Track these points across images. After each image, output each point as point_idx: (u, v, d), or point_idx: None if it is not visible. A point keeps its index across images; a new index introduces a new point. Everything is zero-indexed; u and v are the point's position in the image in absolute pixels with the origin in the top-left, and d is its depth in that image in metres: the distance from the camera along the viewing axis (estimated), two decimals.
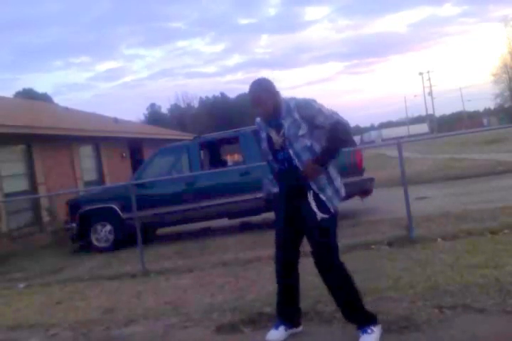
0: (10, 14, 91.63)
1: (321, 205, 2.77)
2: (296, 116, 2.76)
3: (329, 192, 2.80)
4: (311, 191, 2.77)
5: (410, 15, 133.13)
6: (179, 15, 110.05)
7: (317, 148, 2.78)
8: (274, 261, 3.01)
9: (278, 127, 2.84)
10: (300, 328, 3.04)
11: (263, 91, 2.84)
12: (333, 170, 2.87)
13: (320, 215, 2.75)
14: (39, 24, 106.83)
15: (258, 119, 3.02)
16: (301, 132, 2.75)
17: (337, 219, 2.86)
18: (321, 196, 2.77)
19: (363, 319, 2.79)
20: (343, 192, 2.90)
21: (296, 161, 2.78)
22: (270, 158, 2.94)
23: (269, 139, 2.90)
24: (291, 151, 2.78)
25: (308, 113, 2.75)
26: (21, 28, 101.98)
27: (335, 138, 2.74)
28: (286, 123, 2.78)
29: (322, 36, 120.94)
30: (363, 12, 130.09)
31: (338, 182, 2.89)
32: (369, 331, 2.74)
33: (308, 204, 2.77)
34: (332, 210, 2.80)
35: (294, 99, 2.85)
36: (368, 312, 2.83)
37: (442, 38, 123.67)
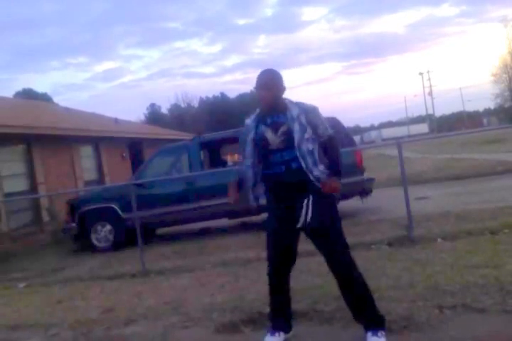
0: (6, 14, 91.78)
1: (319, 209, 2.72)
2: (303, 119, 2.72)
3: (318, 171, 2.73)
4: (310, 197, 2.71)
5: (407, 16, 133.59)
6: (176, 15, 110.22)
7: (316, 154, 2.74)
8: (268, 264, 2.94)
9: (275, 125, 2.77)
10: (291, 333, 2.99)
11: (276, 79, 2.82)
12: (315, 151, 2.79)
13: (309, 218, 2.70)
14: (35, 24, 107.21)
15: (248, 121, 2.92)
16: (306, 135, 2.71)
17: (338, 213, 2.85)
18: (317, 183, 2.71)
19: (376, 321, 2.76)
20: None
21: (299, 163, 2.70)
22: (254, 161, 2.84)
23: (261, 140, 2.79)
24: (297, 153, 2.70)
25: (314, 119, 2.75)
26: (18, 29, 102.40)
27: (335, 148, 2.81)
28: (294, 124, 2.71)
29: (320, 36, 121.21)
30: (360, 12, 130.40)
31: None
32: (379, 334, 2.70)
33: (302, 208, 2.71)
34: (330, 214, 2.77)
35: (303, 103, 2.83)
36: (381, 314, 2.80)
37: (441, 38, 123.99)
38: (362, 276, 2.81)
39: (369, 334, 2.72)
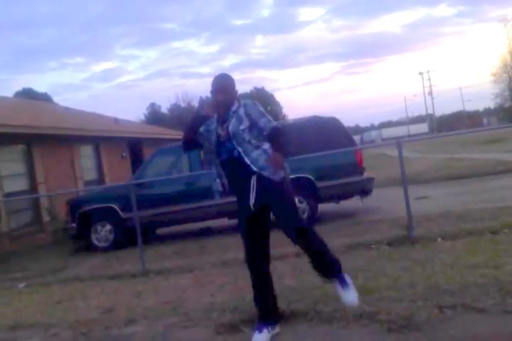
0: (4, 15, 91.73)
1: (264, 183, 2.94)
2: (242, 112, 3.01)
3: (255, 155, 2.97)
4: (254, 176, 2.95)
5: (405, 16, 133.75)
6: (172, 16, 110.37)
7: (254, 143, 2.99)
8: (245, 253, 3.11)
9: (223, 122, 3.06)
10: (277, 329, 3.08)
11: (231, 84, 3.11)
12: (254, 140, 3.01)
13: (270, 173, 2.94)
14: (33, 25, 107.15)
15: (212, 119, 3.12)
16: (242, 127, 2.98)
17: (288, 183, 3.03)
18: (253, 167, 2.95)
19: (338, 267, 3.04)
20: (287, 170, 3.08)
21: (238, 151, 2.98)
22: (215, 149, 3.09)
23: (213, 133, 3.09)
24: (234, 142, 2.99)
25: (253, 112, 3.01)
26: (15, 29, 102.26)
27: (281, 137, 3.00)
28: (232, 119, 3.01)
29: (317, 37, 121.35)
30: (357, 13, 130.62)
31: (265, 146, 3.03)
32: (347, 282, 3.00)
33: (251, 186, 2.97)
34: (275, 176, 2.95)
35: (244, 100, 3.13)
36: (336, 259, 3.08)
37: (439, 38, 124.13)
38: (316, 232, 3.04)
39: (339, 288, 2.99)
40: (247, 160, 2.97)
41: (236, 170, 3.03)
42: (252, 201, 2.96)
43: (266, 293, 3.10)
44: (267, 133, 2.96)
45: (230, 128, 3.00)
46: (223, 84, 3.05)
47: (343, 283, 2.99)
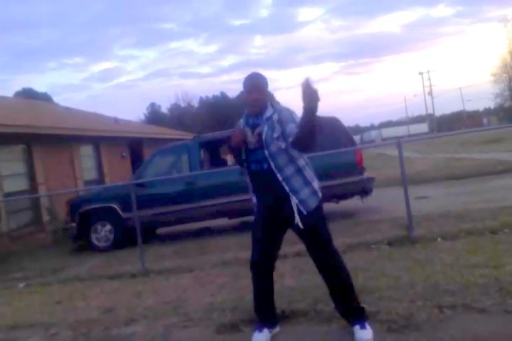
0: (2, 16, 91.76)
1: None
2: (275, 118, 2.78)
3: (303, 194, 2.79)
4: (293, 196, 2.77)
5: (403, 16, 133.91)
6: (171, 16, 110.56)
7: (292, 151, 2.76)
8: (250, 260, 3.01)
9: (254, 127, 2.85)
10: (278, 328, 3.07)
11: (265, 83, 2.89)
12: (309, 173, 2.86)
13: (299, 223, 2.76)
14: (31, 25, 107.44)
15: (241, 120, 2.97)
16: (275, 134, 2.75)
17: (324, 214, 2.88)
18: (293, 198, 2.76)
19: (361, 313, 2.86)
20: (320, 194, 2.89)
21: (268, 164, 2.77)
22: (243, 157, 2.91)
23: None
24: (266, 152, 2.78)
25: (285, 117, 2.76)
26: (13, 30, 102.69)
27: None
28: (265, 125, 2.79)
29: (316, 37, 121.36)
30: (356, 13, 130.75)
31: (316, 183, 2.88)
32: (367, 326, 2.81)
33: (291, 207, 2.77)
34: (312, 208, 2.80)
35: (279, 104, 2.93)
36: (363, 307, 2.91)
37: (439, 38, 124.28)
38: (347, 269, 2.90)
39: (357, 327, 2.80)
40: (280, 176, 2.77)
41: (264, 183, 2.85)
42: (297, 220, 2.76)
43: (268, 294, 3.05)
44: (291, 139, 2.66)
45: (264, 136, 2.78)
46: (257, 83, 2.85)
47: (363, 328, 2.80)
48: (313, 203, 2.81)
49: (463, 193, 8.50)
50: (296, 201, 2.77)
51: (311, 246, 2.88)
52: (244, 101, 2.90)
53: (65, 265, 6.98)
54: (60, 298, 4.94)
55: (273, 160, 2.77)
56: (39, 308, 4.61)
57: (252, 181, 2.93)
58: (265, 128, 2.78)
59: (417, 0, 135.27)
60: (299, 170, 2.81)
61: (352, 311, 2.88)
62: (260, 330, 3.00)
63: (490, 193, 7.90)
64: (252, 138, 2.84)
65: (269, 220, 2.91)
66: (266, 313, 3.06)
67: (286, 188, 2.77)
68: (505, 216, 5.62)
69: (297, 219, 2.76)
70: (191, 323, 3.50)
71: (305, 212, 2.77)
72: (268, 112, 2.82)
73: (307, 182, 2.82)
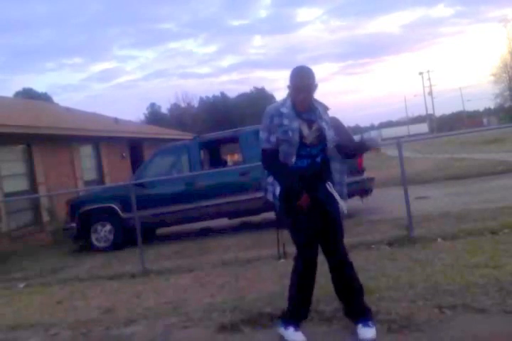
0: (1, 16, 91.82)
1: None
2: (326, 118, 2.89)
3: (344, 187, 3.02)
4: (330, 184, 2.91)
5: (403, 16, 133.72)
6: (169, 16, 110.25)
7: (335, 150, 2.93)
8: (299, 262, 2.94)
9: (309, 122, 2.83)
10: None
11: (314, 80, 2.83)
12: (344, 177, 3.04)
13: (342, 205, 2.93)
14: (30, 26, 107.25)
15: (285, 109, 2.81)
16: (332, 133, 2.88)
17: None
18: (337, 187, 2.96)
19: (366, 312, 2.89)
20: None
21: (322, 158, 2.87)
22: (293, 151, 2.80)
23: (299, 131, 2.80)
24: (324, 148, 2.87)
25: (329, 121, 2.92)
26: (12, 30, 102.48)
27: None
28: (324, 122, 2.84)
29: (315, 37, 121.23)
30: (355, 13, 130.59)
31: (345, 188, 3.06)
32: (370, 324, 2.81)
33: (330, 193, 2.90)
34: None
35: (318, 100, 2.93)
36: (368, 306, 2.95)
37: (438, 38, 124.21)
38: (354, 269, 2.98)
39: (360, 325, 2.80)
40: (332, 168, 2.94)
41: (312, 179, 2.84)
42: (341, 204, 2.92)
43: (312, 288, 2.98)
44: (335, 145, 2.88)
45: (325, 133, 2.82)
46: (307, 83, 2.77)
47: (367, 327, 2.80)
48: (345, 196, 3.01)
49: (463, 193, 8.50)
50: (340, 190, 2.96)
51: (331, 239, 2.94)
52: (291, 97, 2.83)
53: (65, 265, 6.98)
54: (60, 298, 4.94)
55: (328, 155, 2.90)
56: (39, 308, 4.61)
57: (292, 175, 2.81)
58: (324, 125, 2.83)
59: (416, 0, 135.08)
60: (343, 165, 3.01)
61: (361, 310, 2.88)
62: (296, 329, 2.88)
63: (490, 193, 7.90)
64: (311, 134, 2.81)
65: (311, 211, 2.85)
66: (306, 308, 2.99)
67: (336, 178, 2.95)
68: (505, 216, 5.62)
69: (341, 204, 2.90)
70: (191, 323, 3.49)
71: (343, 203, 2.92)
72: (317, 109, 2.87)
73: (344, 178, 3.04)
